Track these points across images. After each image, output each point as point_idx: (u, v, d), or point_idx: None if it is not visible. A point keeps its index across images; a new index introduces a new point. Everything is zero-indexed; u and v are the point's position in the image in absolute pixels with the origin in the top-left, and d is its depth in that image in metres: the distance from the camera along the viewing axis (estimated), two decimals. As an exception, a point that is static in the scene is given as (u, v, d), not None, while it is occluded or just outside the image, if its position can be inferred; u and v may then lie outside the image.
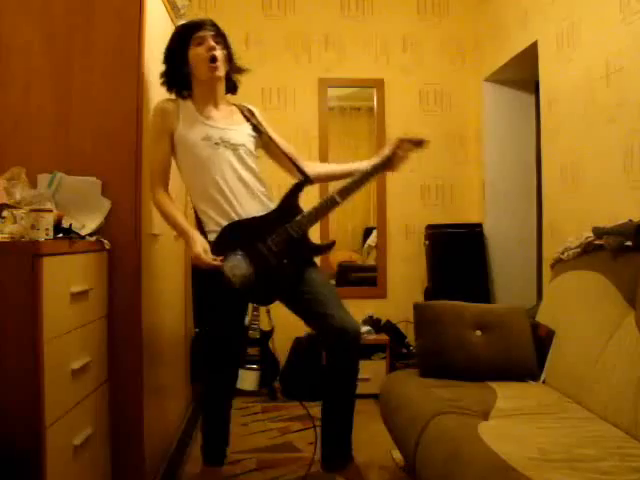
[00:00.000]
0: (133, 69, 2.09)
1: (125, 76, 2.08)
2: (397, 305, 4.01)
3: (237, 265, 2.06)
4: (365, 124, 4.29)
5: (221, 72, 2.19)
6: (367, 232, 4.27)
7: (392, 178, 4.17)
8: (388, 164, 2.21)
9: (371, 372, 3.55)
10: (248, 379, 3.64)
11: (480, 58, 4.08)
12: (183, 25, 2.26)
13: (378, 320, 3.90)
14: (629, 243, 2.07)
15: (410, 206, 4.18)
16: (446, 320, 2.41)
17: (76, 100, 2.07)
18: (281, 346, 3.73)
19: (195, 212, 2.21)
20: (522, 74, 3.75)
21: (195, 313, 2.27)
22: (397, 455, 2.47)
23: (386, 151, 2.21)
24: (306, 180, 2.23)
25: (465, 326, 2.39)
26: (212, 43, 2.15)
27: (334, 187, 2.19)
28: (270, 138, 2.30)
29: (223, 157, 2.13)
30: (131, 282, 2.09)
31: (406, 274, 4.13)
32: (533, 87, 3.78)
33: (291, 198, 2.18)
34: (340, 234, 4.22)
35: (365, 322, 3.80)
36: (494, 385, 2.21)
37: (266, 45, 4.11)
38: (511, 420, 1.85)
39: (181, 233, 2.12)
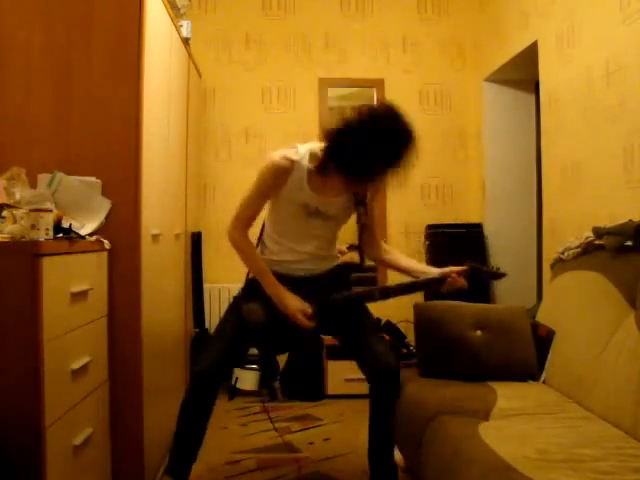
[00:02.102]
0: (133, 69, 2.08)
1: (125, 76, 2.08)
2: (397, 305, 3.98)
3: (255, 311, 2.07)
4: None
5: None
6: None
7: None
8: (440, 284, 2.15)
9: (371, 372, 3.55)
10: (248, 379, 3.64)
11: (480, 58, 4.08)
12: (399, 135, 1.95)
13: (378, 320, 3.88)
14: (629, 243, 2.07)
15: (410, 206, 4.18)
16: (446, 320, 2.41)
17: (76, 100, 2.07)
18: (281, 346, 3.73)
19: (262, 229, 2.22)
20: (522, 74, 3.74)
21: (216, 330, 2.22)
22: (397, 455, 2.46)
23: (442, 272, 2.15)
24: (359, 267, 2.23)
25: (465, 326, 2.39)
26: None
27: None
28: (365, 212, 2.20)
29: (312, 224, 2.11)
30: (131, 282, 2.09)
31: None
32: (533, 87, 3.77)
33: (339, 276, 2.20)
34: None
35: (365, 322, 3.80)
36: (494, 385, 2.21)
37: (266, 45, 4.11)
38: (511, 420, 1.85)
39: (267, 285, 2.09)
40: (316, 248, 2.15)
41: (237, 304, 2.14)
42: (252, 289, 2.15)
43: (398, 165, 1.94)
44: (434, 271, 2.17)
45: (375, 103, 1.95)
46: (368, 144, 1.87)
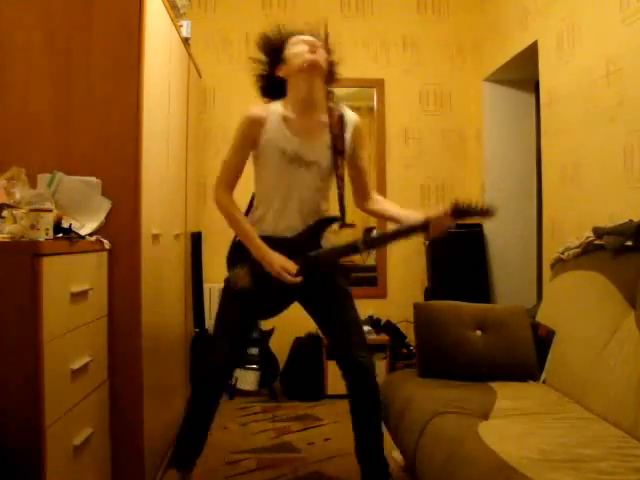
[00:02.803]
0: (133, 69, 2.08)
1: (125, 76, 2.08)
2: (397, 305, 4.00)
3: (240, 275, 2.08)
4: (365, 124, 4.28)
5: (321, 58, 2.06)
6: (367, 232, 4.26)
7: (392, 178, 4.18)
8: (424, 229, 2.06)
9: (371, 372, 3.55)
10: (248, 379, 3.65)
11: (480, 58, 4.08)
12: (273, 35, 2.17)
13: (378, 320, 3.90)
14: (629, 243, 2.07)
15: (410, 206, 4.08)
16: (446, 320, 2.41)
17: (76, 100, 2.07)
18: (281, 346, 3.73)
19: (252, 199, 2.22)
20: (522, 74, 3.74)
21: (215, 324, 2.23)
22: (397, 455, 2.46)
23: (425, 216, 2.07)
24: (340, 220, 2.18)
25: (465, 326, 2.39)
26: (311, 39, 2.09)
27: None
28: (350, 157, 2.19)
29: (294, 175, 2.09)
30: (131, 282, 2.09)
31: (406, 274, 4.13)
32: (533, 87, 3.78)
33: (316, 230, 2.15)
34: (340, 234, 4.21)
35: (365, 322, 3.80)
36: (494, 385, 2.21)
37: (266, 45, 4.11)
38: (511, 420, 1.85)
39: (251, 246, 2.08)
40: (303, 203, 2.10)
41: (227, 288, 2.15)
42: (237, 255, 2.15)
43: None
44: (417, 216, 2.09)
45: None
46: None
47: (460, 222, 2.08)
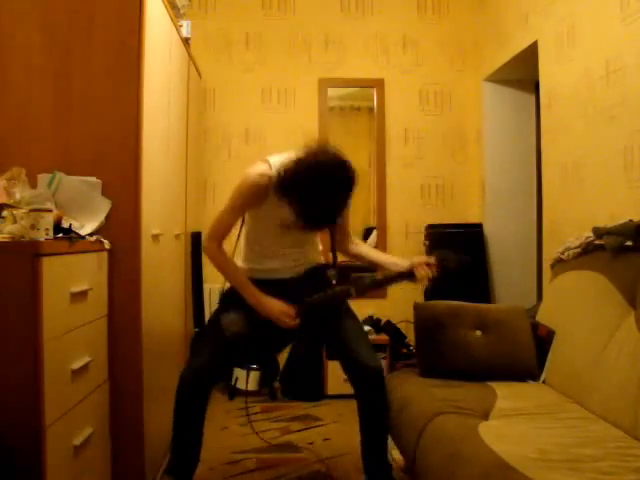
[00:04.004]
0: (133, 69, 2.08)
1: (125, 76, 2.08)
2: (397, 305, 4.00)
3: (234, 321, 2.08)
4: (365, 124, 4.28)
5: None
6: (367, 232, 4.27)
7: (392, 178, 4.18)
8: (410, 277, 2.17)
9: (371, 372, 3.55)
10: (248, 379, 3.64)
11: (480, 58, 4.08)
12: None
13: (378, 320, 3.89)
14: (629, 243, 2.07)
15: (410, 206, 4.18)
16: (446, 320, 2.41)
17: (76, 100, 2.07)
18: (281, 346, 3.73)
19: (240, 236, 2.25)
20: (522, 74, 3.74)
21: (201, 333, 2.25)
22: (397, 455, 2.46)
23: (410, 263, 2.17)
24: (332, 267, 2.26)
25: (465, 326, 2.39)
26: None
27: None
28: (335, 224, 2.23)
29: (288, 237, 2.14)
30: (131, 282, 2.09)
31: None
32: (533, 87, 3.77)
33: (317, 276, 2.23)
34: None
35: (365, 322, 3.80)
36: (494, 385, 2.21)
37: (266, 45, 4.11)
38: (511, 420, 1.85)
39: (246, 294, 2.11)
40: (295, 254, 2.20)
41: (217, 318, 2.14)
42: (230, 299, 2.17)
43: (344, 207, 2.03)
44: (403, 264, 2.19)
45: (315, 149, 1.95)
46: (312, 201, 1.92)
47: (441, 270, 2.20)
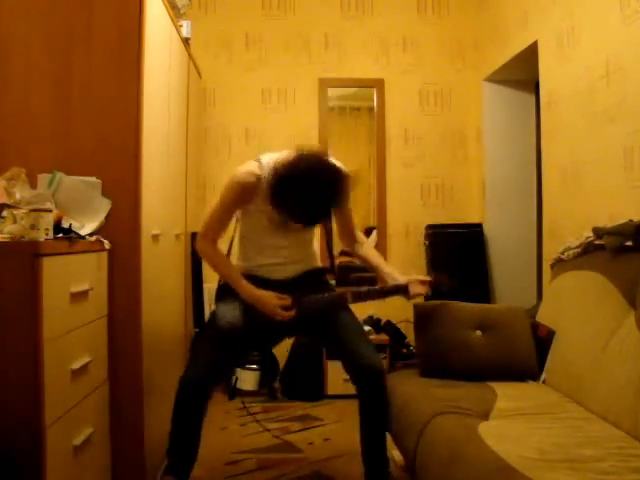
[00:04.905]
0: (133, 69, 2.08)
1: (125, 76, 2.08)
2: (397, 305, 3.98)
3: (230, 310, 2.09)
4: (365, 124, 4.28)
5: None
6: (367, 232, 4.26)
7: (392, 178, 4.18)
8: (404, 292, 2.22)
9: (371, 372, 3.55)
10: (248, 379, 3.65)
11: (480, 58, 4.08)
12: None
13: (378, 320, 3.89)
14: (629, 243, 2.07)
15: (410, 206, 4.18)
16: (446, 320, 2.41)
17: (76, 100, 2.07)
18: (281, 346, 3.72)
19: (234, 237, 2.26)
20: (522, 74, 3.74)
21: (199, 337, 2.26)
22: (397, 455, 2.46)
23: (407, 280, 2.22)
24: (330, 270, 2.33)
25: (465, 326, 2.39)
26: None
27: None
28: (343, 211, 2.26)
29: (280, 235, 2.14)
30: (131, 282, 2.09)
31: (406, 274, 4.11)
32: (533, 87, 3.77)
33: (315, 277, 2.25)
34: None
35: (365, 322, 3.80)
36: (494, 385, 2.21)
37: (266, 45, 4.11)
38: (511, 420, 1.85)
39: (241, 290, 2.12)
40: (286, 252, 2.20)
41: (214, 319, 2.15)
42: (224, 294, 2.18)
43: (336, 204, 2.02)
44: (400, 278, 2.23)
45: (302, 150, 1.95)
46: (299, 203, 1.92)
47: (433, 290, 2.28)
